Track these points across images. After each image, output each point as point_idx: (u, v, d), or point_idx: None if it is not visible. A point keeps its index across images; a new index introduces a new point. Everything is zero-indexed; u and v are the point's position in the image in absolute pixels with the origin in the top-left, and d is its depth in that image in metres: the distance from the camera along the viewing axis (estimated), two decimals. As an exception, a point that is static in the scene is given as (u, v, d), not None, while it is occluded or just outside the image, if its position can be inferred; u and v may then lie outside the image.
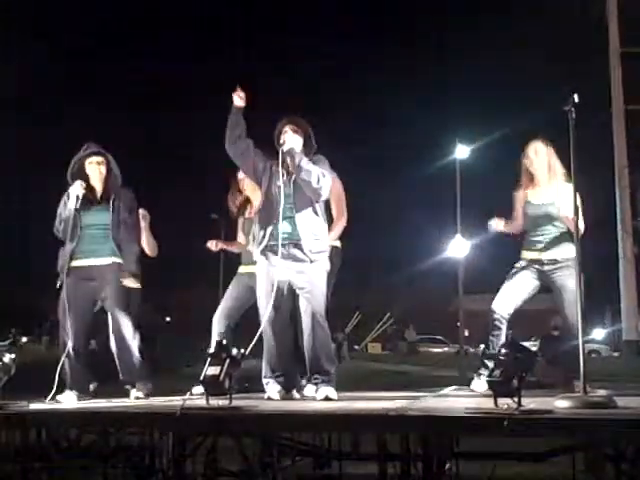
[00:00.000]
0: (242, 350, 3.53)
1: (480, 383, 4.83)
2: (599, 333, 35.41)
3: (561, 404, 3.33)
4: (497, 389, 3.13)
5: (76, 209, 4.80)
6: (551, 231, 4.94)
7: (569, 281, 4.79)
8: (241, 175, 5.36)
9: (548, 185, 4.94)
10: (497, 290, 5.00)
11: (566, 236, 4.90)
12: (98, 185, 4.95)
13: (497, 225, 5.08)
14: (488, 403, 3.21)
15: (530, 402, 3.20)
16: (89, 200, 4.87)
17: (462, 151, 19.31)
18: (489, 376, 3.20)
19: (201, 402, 3.48)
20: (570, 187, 4.65)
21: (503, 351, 3.17)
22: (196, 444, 3.90)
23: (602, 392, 4.05)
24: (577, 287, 3.73)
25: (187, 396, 3.50)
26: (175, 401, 4.12)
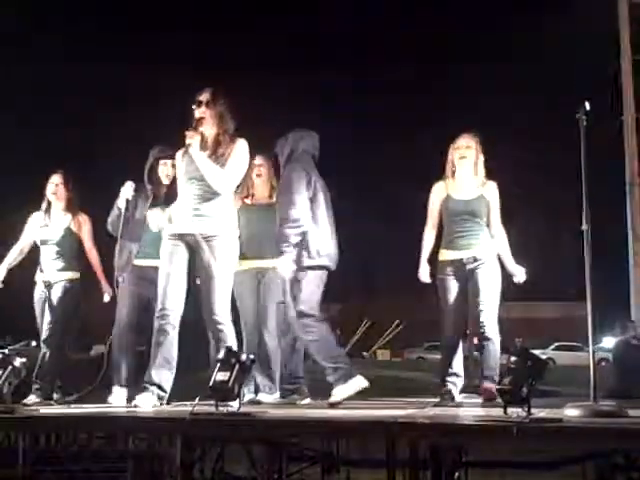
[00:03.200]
0: (251, 356, 3.54)
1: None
2: (609, 341, 35.27)
3: (571, 413, 3.32)
4: (507, 397, 3.12)
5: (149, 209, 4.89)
6: (472, 228, 4.77)
7: (486, 281, 4.70)
8: (259, 160, 5.20)
9: (471, 181, 4.81)
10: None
11: (486, 233, 4.80)
12: (165, 186, 5.01)
13: (425, 274, 4.90)
14: (498, 411, 3.20)
15: (540, 410, 3.19)
16: (154, 200, 4.95)
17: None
18: (499, 384, 3.19)
19: (210, 408, 3.48)
20: (495, 186, 4.83)
21: (513, 359, 3.17)
22: (204, 450, 3.90)
23: (612, 401, 4.03)
24: (588, 294, 3.70)
25: (196, 402, 3.50)
26: (184, 406, 4.12)
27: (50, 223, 5.54)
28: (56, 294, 5.40)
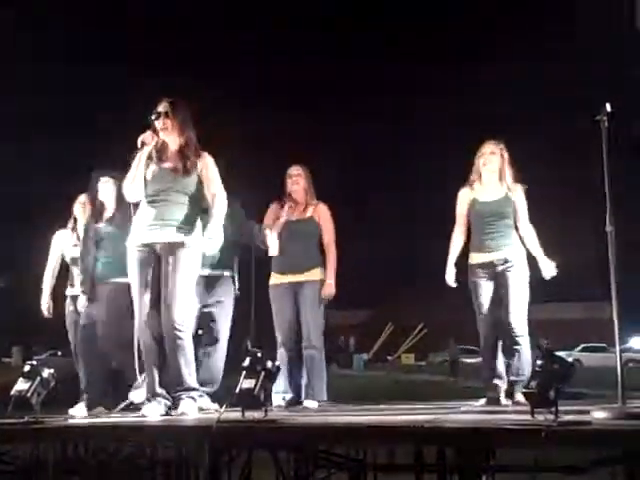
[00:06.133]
0: (277, 363, 3.56)
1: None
2: (637, 342, 34.88)
3: (599, 415, 3.29)
4: (534, 401, 3.10)
5: None
6: (500, 229, 4.88)
7: (516, 283, 4.81)
8: (296, 170, 5.40)
9: (497, 185, 4.94)
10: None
11: (514, 234, 4.91)
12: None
13: (451, 278, 4.98)
14: (525, 415, 3.19)
15: (567, 414, 3.17)
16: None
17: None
18: (525, 387, 3.18)
19: (237, 415, 3.50)
20: (520, 188, 4.96)
21: (539, 362, 3.15)
22: (232, 457, 3.92)
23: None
24: (613, 296, 3.67)
25: (223, 409, 3.52)
26: (211, 414, 4.15)
27: (80, 242, 5.56)
28: None
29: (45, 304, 5.65)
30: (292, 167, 5.43)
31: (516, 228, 4.97)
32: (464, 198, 5.01)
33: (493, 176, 4.94)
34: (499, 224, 4.89)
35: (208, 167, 4.45)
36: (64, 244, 5.72)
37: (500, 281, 4.85)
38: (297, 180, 5.38)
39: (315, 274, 5.26)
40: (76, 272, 5.56)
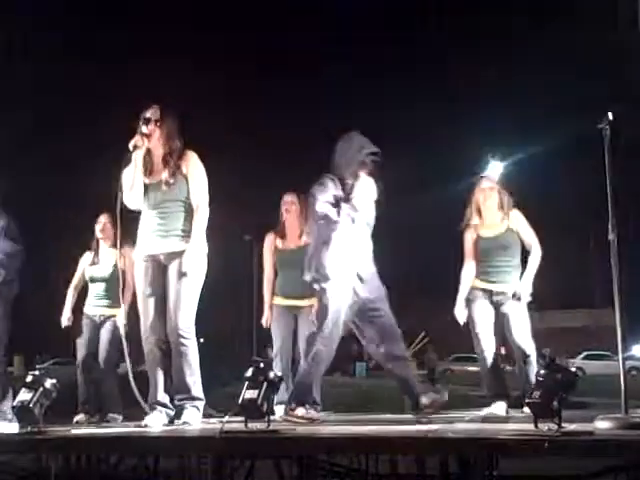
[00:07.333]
0: (279, 373, 3.55)
1: (499, 407, 4.93)
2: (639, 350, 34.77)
3: (602, 425, 3.28)
4: (537, 410, 3.10)
5: None
6: (502, 263, 5.06)
7: (515, 312, 5.00)
8: (289, 197, 5.58)
9: (497, 217, 5.12)
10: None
11: (516, 268, 5.08)
12: None
13: (462, 314, 5.13)
14: (528, 425, 3.18)
15: (570, 423, 3.17)
16: None
17: (495, 168, 19.09)
18: (529, 397, 3.17)
19: (240, 425, 3.50)
20: (520, 214, 5.13)
21: (542, 372, 3.15)
22: (235, 466, 3.91)
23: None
24: (616, 303, 3.67)
25: (225, 419, 3.52)
26: (213, 424, 4.14)
27: (99, 261, 5.93)
28: (106, 330, 5.80)
29: (65, 316, 5.90)
30: (286, 194, 5.61)
31: (524, 252, 5.12)
32: (469, 237, 5.19)
33: (493, 211, 5.11)
34: (503, 258, 5.06)
35: (193, 172, 4.33)
36: (86, 265, 6.02)
37: (499, 308, 5.06)
38: (289, 208, 5.57)
39: (314, 300, 5.26)
40: (91, 291, 5.94)
